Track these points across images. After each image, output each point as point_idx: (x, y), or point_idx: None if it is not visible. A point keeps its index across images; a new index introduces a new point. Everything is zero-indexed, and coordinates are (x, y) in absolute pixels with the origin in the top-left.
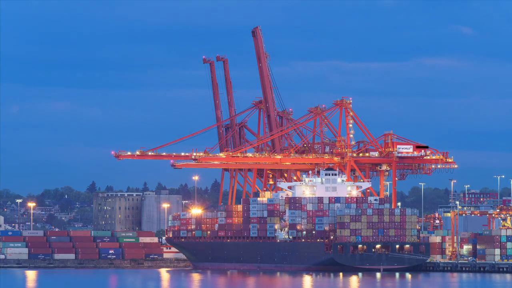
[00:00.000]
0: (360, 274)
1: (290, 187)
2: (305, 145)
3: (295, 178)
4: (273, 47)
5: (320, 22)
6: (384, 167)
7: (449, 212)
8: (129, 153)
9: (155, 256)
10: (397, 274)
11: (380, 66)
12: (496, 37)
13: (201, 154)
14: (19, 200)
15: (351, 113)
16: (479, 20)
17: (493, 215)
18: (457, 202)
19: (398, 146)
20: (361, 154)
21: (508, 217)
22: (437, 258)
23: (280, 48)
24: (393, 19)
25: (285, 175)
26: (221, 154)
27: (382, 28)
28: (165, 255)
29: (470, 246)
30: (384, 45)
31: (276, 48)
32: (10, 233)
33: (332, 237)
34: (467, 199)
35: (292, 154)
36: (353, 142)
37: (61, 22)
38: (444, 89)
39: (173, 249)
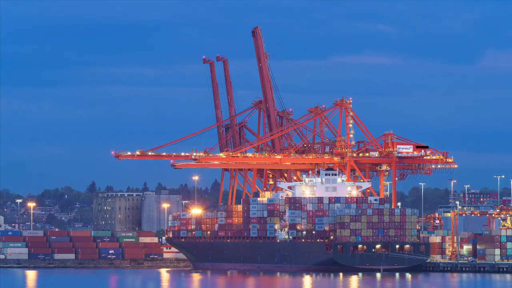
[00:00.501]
0: (360, 274)
1: (290, 187)
2: (305, 145)
3: (295, 178)
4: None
5: (228, 19)
6: (384, 167)
7: (449, 212)
8: (129, 153)
9: (155, 256)
10: (397, 274)
11: (300, 64)
12: (417, 34)
13: (201, 154)
14: (19, 200)
15: (351, 113)
16: (396, 17)
17: (493, 215)
18: (457, 202)
19: (398, 146)
20: (361, 154)
21: (508, 217)
22: (437, 258)
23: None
24: (307, 17)
25: (285, 175)
26: (221, 154)
27: (296, 26)
28: (165, 255)
29: (470, 246)
30: (302, 43)
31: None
32: (10, 233)
33: (332, 237)
34: (467, 199)
35: (292, 154)
36: (353, 142)
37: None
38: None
39: (173, 249)
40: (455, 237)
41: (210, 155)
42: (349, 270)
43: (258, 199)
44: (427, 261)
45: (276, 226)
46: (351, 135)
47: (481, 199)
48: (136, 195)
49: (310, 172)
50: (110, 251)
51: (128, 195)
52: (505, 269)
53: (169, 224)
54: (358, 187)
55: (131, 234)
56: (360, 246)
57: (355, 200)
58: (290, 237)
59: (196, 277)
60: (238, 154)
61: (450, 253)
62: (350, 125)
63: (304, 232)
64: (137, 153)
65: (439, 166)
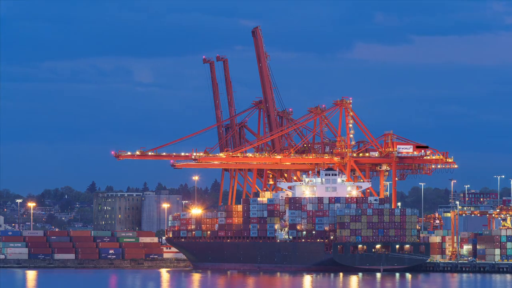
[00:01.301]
0: (360, 274)
1: (290, 187)
2: (305, 145)
3: (295, 178)
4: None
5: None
6: (384, 167)
7: (449, 212)
8: (129, 153)
9: (155, 256)
10: (397, 274)
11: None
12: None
13: (201, 154)
14: (19, 200)
15: (351, 113)
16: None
17: (493, 215)
18: (457, 202)
19: (398, 146)
20: (361, 154)
21: (508, 217)
22: (437, 258)
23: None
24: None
25: (285, 175)
26: (221, 154)
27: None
28: (165, 255)
29: (470, 246)
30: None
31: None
32: (10, 233)
33: (332, 237)
34: (467, 199)
35: (292, 154)
36: (353, 142)
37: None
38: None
39: (173, 249)
40: (455, 237)
41: (210, 155)
42: (349, 270)
43: (258, 199)
44: (427, 261)
45: (276, 226)
46: (351, 135)
47: (481, 199)
48: (136, 195)
49: (310, 172)
50: (110, 251)
51: (128, 195)
52: (505, 269)
53: (169, 224)
54: (358, 187)
55: (131, 234)
56: (360, 246)
57: (355, 200)
58: (290, 237)
59: (196, 277)
60: (238, 154)
61: (450, 253)
62: (350, 125)
63: (304, 232)
64: (137, 153)
65: (439, 166)
